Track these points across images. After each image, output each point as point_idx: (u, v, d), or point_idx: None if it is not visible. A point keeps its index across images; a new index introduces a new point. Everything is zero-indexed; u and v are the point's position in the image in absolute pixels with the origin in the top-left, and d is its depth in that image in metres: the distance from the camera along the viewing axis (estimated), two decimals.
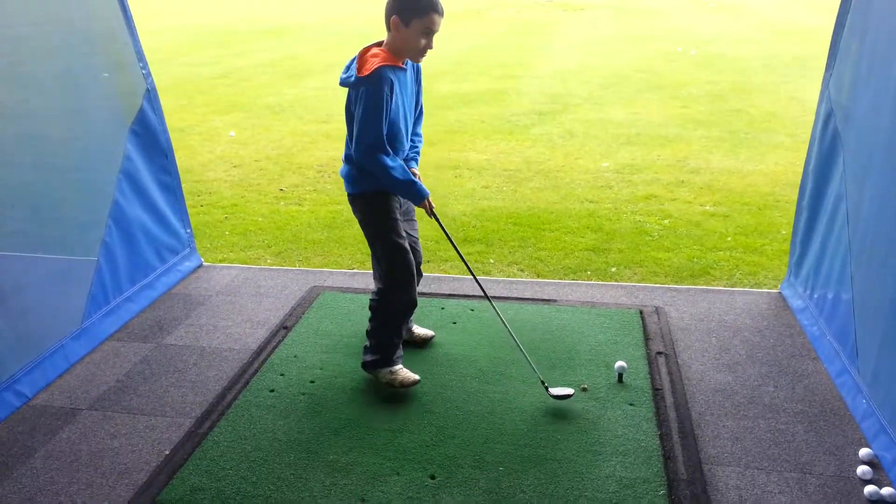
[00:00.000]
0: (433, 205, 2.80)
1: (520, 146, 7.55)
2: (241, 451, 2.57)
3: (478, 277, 3.08)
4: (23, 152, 3.17)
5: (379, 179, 2.64)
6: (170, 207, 3.95)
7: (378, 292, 2.86)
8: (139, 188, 3.68)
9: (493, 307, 3.02)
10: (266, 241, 5.00)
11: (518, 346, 2.96)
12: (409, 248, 2.80)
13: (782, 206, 5.48)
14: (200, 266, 4.23)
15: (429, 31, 2.53)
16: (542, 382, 2.87)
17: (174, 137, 7.93)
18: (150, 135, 3.76)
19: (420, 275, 3.06)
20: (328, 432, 2.67)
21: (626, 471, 2.43)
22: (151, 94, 3.75)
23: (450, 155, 7.26)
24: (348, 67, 2.62)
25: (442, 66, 12.95)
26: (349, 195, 2.80)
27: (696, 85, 10.82)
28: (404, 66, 2.62)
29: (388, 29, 2.56)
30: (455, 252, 2.95)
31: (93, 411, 2.86)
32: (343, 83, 2.62)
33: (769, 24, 18.74)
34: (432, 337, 3.29)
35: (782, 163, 6.65)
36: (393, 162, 2.61)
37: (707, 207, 5.56)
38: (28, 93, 3.18)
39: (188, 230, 4.17)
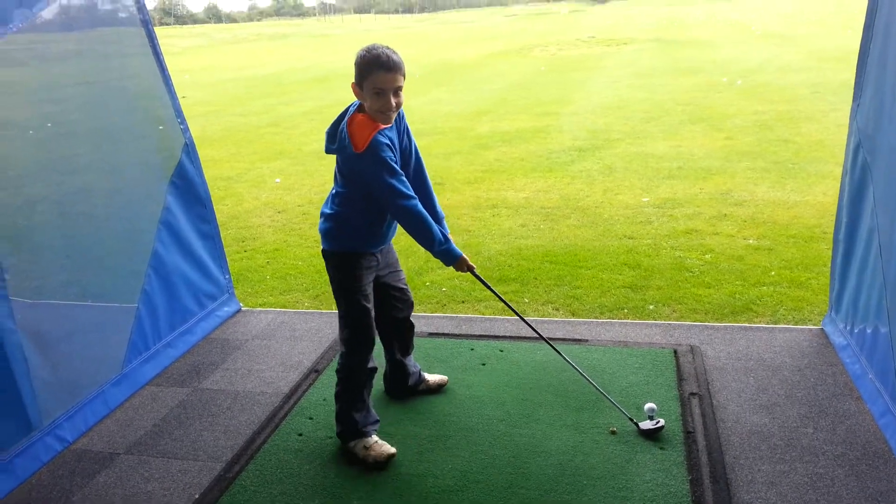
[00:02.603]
0: (472, 265, 2.73)
1: (559, 183, 7.54)
2: (268, 495, 2.60)
3: (528, 319, 3.07)
4: (73, 204, 3.37)
5: (414, 236, 2.62)
6: (209, 255, 4.09)
7: (341, 356, 2.82)
8: (178, 237, 3.82)
9: (553, 348, 3.02)
10: (305, 285, 5.10)
11: (593, 384, 2.99)
12: (373, 314, 2.78)
13: (829, 238, 5.25)
14: (239, 311, 4.34)
15: (380, 91, 2.45)
16: (631, 419, 2.85)
17: (223, 185, 8.36)
18: (188, 186, 3.92)
19: (411, 326, 3.10)
20: (353, 476, 2.68)
21: None
22: (189, 148, 3.92)
23: (488, 194, 7.30)
24: (333, 136, 2.59)
25: (482, 106, 13.12)
26: (324, 251, 2.77)
27: (742, 115, 10.66)
28: (391, 124, 2.59)
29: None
30: (492, 294, 2.92)
31: (129, 455, 2.94)
32: (332, 152, 2.61)
33: (817, 50, 18.40)
34: (446, 382, 3.27)
35: (830, 193, 6.45)
36: (429, 218, 2.61)
37: (750, 241, 5.43)
38: (75, 149, 3.37)
39: (227, 276, 4.30)
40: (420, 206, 2.59)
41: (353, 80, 2.52)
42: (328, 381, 3.39)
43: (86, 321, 3.29)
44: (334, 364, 3.52)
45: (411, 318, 3.11)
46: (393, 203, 2.55)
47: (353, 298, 2.75)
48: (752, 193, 6.68)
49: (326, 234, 2.74)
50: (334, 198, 2.72)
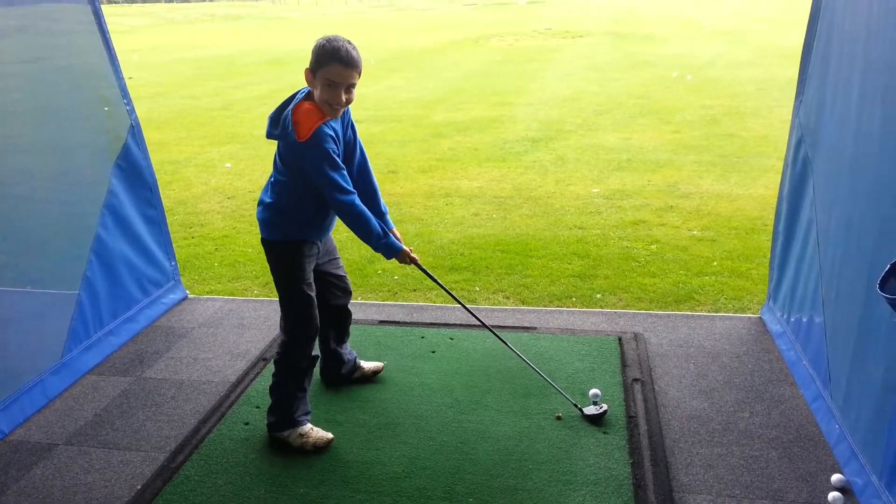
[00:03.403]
0: (414, 257, 2.76)
1: (511, 173, 7.60)
2: (212, 485, 2.57)
3: (471, 307, 3.10)
4: (11, 186, 3.24)
5: (354, 231, 2.61)
6: (154, 240, 4.00)
7: (283, 345, 2.79)
8: (123, 222, 3.72)
9: (498, 337, 3.04)
10: (254, 273, 5.03)
11: (537, 371, 3.02)
12: (316, 301, 2.77)
13: (770, 230, 5.43)
14: (185, 298, 4.26)
15: (332, 83, 2.43)
16: (575, 405, 2.90)
17: (171, 170, 8.17)
18: (134, 169, 3.82)
19: (349, 314, 3.11)
20: (299, 465, 2.67)
21: (595, 500, 2.41)
22: (135, 130, 3.82)
23: (442, 183, 7.31)
24: (276, 121, 2.55)
25: (438, 95, 13.10)
26: (265, 240, 2.73)
27: (690, 110, 10.89)
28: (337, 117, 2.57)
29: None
30: (440, 286, 2.94)
31: (69, 446, 2.86)
32: (273, 138, 2.56)
33: (765, 47, 18.88)
34: (382, 369, 3.28)
35: (772, 186, 6.63)
36: (368, 213, 2.60)
37: (695, 232, 5.57)
38: (15, 129, 3.25)
39: (173, 263, 4.21)
40: (359, 202, 2.58)
41: (308, 66, 2.49)
42: None
43: (23, 308, 3.18)
44: None
45: (349, 307, 3.10)
46: (332, 196, 2.54)
47: (296, 287, 2.72)
48: (698, 186, 6.85)
49: (267, 223, 2.69)
50: (273, 186, 2.67)
